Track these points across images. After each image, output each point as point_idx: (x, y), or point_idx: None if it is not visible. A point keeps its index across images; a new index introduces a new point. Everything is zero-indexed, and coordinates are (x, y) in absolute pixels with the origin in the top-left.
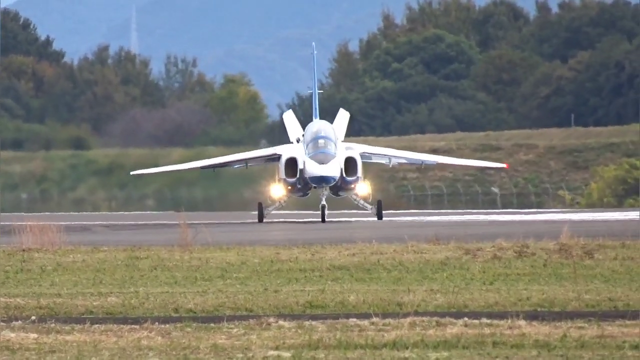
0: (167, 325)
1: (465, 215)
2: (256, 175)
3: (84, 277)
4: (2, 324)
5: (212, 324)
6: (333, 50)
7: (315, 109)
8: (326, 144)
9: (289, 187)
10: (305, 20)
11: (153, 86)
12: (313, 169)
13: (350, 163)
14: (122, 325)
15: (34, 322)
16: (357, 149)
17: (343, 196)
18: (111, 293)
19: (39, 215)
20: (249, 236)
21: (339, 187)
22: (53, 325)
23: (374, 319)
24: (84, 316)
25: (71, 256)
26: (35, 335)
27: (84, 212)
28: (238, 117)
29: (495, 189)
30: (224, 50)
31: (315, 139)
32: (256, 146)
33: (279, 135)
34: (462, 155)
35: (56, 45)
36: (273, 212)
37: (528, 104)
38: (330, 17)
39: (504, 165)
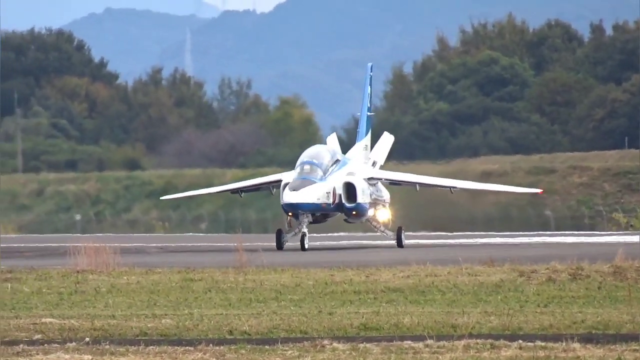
0: (222, 347)
1: (519, 238)
2: None
3: (138, 299)
4: (56, 345)
5: (266, 346)
6: (387, 72)
7: (361, 131)
8: (311, 170)
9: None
10: (359, 42)
11: (207, 108)
12: (284, 195)
13: (349, 189)
14: (176, 347)
15: (88, 343)
16: (362, 174)
17: (355, 222)
18: (165, 315)
19: (93, 237)
20: (303, 258)
21: (345, 213)
22: (107, 347)
23: (429, 342)
24: (138, 338)
25: (125, 278)
26: (90, 357)
27: (138, 234)
28: (293, 138)
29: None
30: (278, 72)
31: (300, 164)
32: None
33: None
34: (515, 178)
35: (110, 67)
36: (291, 239)
37: (582, 126)
38: (384, 39)
39: (539, 191)
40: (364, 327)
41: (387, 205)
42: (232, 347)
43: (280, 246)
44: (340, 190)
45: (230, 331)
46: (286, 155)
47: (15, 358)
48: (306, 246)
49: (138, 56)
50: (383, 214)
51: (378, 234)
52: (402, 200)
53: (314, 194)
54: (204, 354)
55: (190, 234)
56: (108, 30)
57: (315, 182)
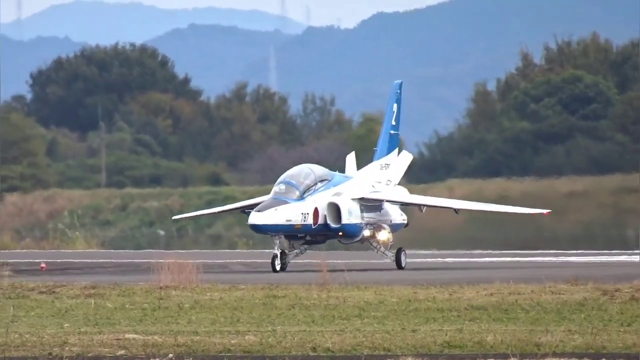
0: None
1: (602, 257)
2: None
3: (221, 315)
4: None
5: None
6: (470, 90)
7: (380, 150)
8: (286, 190)
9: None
10: (442, 59)
11: (291, 124)
12: (249, 217)
13: (332, 209)
14: None
15: (171, 359)
16: (352, 195)
17: (347, 244)
18: (249, 331)
19: (176, 253)
20: (387, 275)
21: (331, 235)
22: None
23: None
24: (222, 354)
25: (209, 294)
26: None
27: (221, 250)
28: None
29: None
30: (361, 88)
31: (277, 184)
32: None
33: (418, 172)
34: (598, 198)
35: (194, 83)
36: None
37: None
38: (467, 56)
39: (544, 212)
40: (447, 345)
41: (393, 226)
42: None
43: (274, 268)
44: (325, 211)
45: (314, 348)
46: None
47: None
48: (277, 268)
49: (222, 72)
50: (383, 235)
51: (378, 255)
52: (479, 220)
53: (283, 215)
54: None
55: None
56: (192, 46)
57: (287, 203)
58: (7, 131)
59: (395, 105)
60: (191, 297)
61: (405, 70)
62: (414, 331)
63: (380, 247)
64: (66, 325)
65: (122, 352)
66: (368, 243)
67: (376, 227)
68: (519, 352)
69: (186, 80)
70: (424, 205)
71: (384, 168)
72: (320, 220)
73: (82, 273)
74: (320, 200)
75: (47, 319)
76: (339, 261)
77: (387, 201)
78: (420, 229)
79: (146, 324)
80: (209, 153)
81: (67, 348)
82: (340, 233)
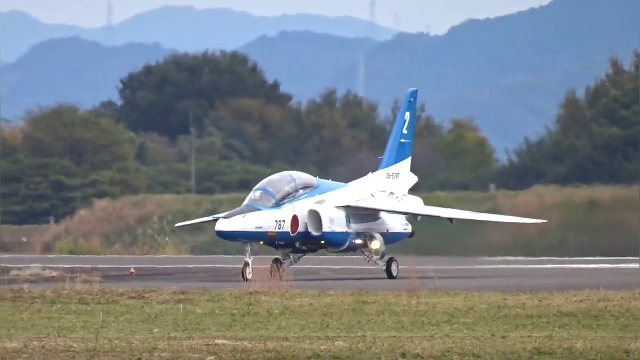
0: None
1: None
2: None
3: (310, 321)
4: None
5: None
6: (559, 96)
7: (387, 158)
8: (260, 197)
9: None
10: (531, 66)
11: (380, 130)
12: (217, 222)
13: (313, 217)
14: None
15: None
16: (337, 202)
17: (333, 252)
18: (338, 337)
19: (265, 258)
20: (476, 282)
21: (312, 243)
22: None
23: None
24: None
25: (298, 300)
26: None
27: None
28: (466, 161)
29: None
30: (451, 95)
31: (253, 190)
32: (485, 190)
33: (508, 179)
34: None
35: (283, 89)
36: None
37: None
38: (556, 63)
39: (539, 221)
40: (536, 352)
41: (391, 235)
42: None
43: (247, 277)
44: (305, 219)
45: (403, 354)
46: (459, 178)
47: None
48: (248, 277)
49: (311, 78)
50: (375, 244)
51: (370, 264)
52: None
53: (252, 221)
54: None
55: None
56: (282, 53)
57: (258, 210)
58: (97, 136)
59: (407, 114)
60: (281, 302)
61: (494, 77)
62: (503, 337)
63: (371, 256)
64: (155, 330)
65: (212, 357)
66: (360, 252)
67: (368, 236)
68: (608, 358)
69: (275, 86)
70: (418, 214)
71: (392, 177)
72: (301, 228)
73: (171, 278)
74: (300, 207)
75: (137, 324)
76: (429, 267)
77: (375, 210)
78: (506, 234)
79: (235, 330)
80: (298, 158)
81: (156, 354)
82: (322, 241)
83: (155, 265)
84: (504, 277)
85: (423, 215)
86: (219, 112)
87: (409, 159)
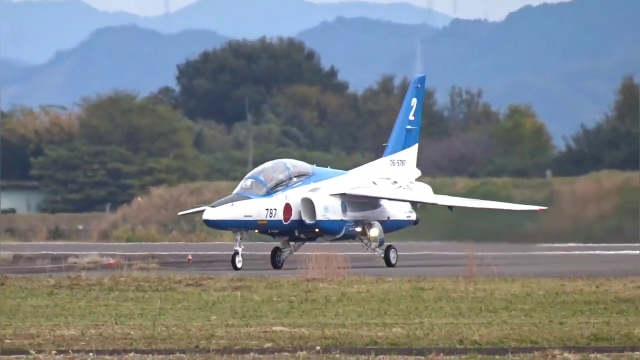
0: (452, 357)
1: None
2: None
3: (368, 308)
4: (287, 354)
5: (497, 356)
6: (617, 82)
7: (391, 145)
8: (251, 186)
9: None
10: (590, 53)
11: (438, 116)
12: (204, 211)
13: (307, 205)
14: (406, 356)
15: (318, 352)
16: (331, 190)
17: (330, 240)
18: (395, 324)
19: (324, 245)
20: (534, 268)
21: (307, 232)
22: (338, 355)
23: None
24: (369, 347)
25: (355, 287)
26: None
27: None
28: (523, 148)
29: None
30: (508, 81)
31: (244, 179)
32: (542, 177)
33: (565, 165)
34: None
35: (340, 76)
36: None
37: None
38: (614, 49)
39: (537, 208)
40: (594, 338)
41: (393, 223)
42: (463, 357)
43: (274, 264)
44: (299, 207)
45: (461, 340)
46: (516, 164)
47: None
48: (238, 265)
49: (368, 65)
50: (373, 232)
51: (369, 251)
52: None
53: (241, 210)
54: None
55: (421, 242)
56: (339, 39)
57: (248, 198)
58: (154, 123)
59: (414, 100)
60: (338, 289)
61: (553, 63)
62: (561, 324)
63: (370, 244)
64: (213, 317)
65: (269, 344)
66: (359, 240)
67: (366, 224)
68: None
69: (332, 73)
70: (416, 202)
71: (397, 164)
72: (295, 217)
73: (228, 266)
74: (293, 195)
75: (194, 311)
76: (487, 253)
77: (370, 197)
78: (564, 220)
79: (293, 317)
80: (355, 144)
81: (214, 341)
82: (317, 230)
83: (212, 252)
84: (562, 263)
85: (421, 203)
86: (276, 99)
87: (416, 146)
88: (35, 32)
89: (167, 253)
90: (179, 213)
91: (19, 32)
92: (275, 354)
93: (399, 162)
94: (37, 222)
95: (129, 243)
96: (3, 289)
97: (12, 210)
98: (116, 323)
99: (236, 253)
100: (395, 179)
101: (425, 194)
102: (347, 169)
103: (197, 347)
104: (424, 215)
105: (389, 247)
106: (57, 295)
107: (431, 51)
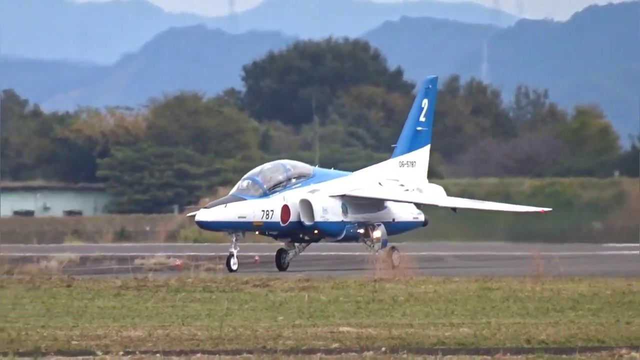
0: (519, 356)
1: None
2: (607, 207)
3: (435, 308)
4: (353, 354)
5: (564, 355)
6: None
7: (400, 146)
8: (247, 187)
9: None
10: None
11: (504, 117)
12: (197, 213)
13: (306, 206)
14: (473, 356)
15: (385, 352)
16: (331, 192)
17: (333, 241)
18: (463, 324)
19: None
20: (601, 268)
21: (306, 233)
22: (405, 355)
23: None
24: (436, 347)
25: (423, 287)
26: None
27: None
28: (589, 148)
29: None
30: (575, 81)
31: (242, 179)
32: (610, 177)
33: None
34: None
35: (406, 76)
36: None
37: None
38: None
39: (540, 210)
40: None
41: (398, 224)
42: (530, 357)
43: (279, 266)
44: (298, 209)
45: (528, 340)
46: (583, 164)
47: None
48: (233, 267)
49: (434, 65)
50: (376, 233)
51: (371, 253)
52: None
53: (234, 211)
54: None
55: (487, 242)
56: (404, 39)
57: (243, 200)
58: (220, 124)
59: (425, 101)
60: (405, 289)
61: (619, 63)
62: (628, 323)
63: (373, 245)
64: (280, 318)
65: (336, 345)
66: (362, 241)
67: (370, 225)
68: None
69: (398, 73)
70: (419, 203)
71: (406, 165)
72: (293, 218)
73: (297, 265)
74: (291, 197)
75: (261, 312)
76: (554, 253)
77: (371, 199)
78: (631, 220)
79: (360, 317)
80: None
81: (281, 341)
82: (316, 231)
83: None
84: (629, 263)
85: (424, 205)
86: (342, 100)
87: (428, 147)
88: (101, 34)
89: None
90: (187, 214)
91: (85, 34)
92: (342, 354)
93: (409, 163)
94: (104, 223)
95: (196, 244)
96: (70, 290)
97: (79, 212)
98: (183, 324)
99: (231, 255)
100: (402, 181)
101: (435, 195)
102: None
103: (264, 347)
104: (490, 216)
105: (391, 249)
106: (124, 296)
107: (497, 51)
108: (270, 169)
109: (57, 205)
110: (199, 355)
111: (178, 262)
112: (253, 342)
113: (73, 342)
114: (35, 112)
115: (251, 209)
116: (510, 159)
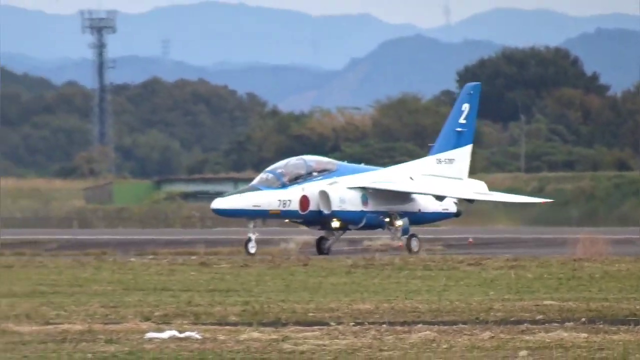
0: None
1: None
2: None
3: (628, 284)
4: (556, 324)
5: None
6: None
7: (437, 145)
8: (266, 179)
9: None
10: None
11: None
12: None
13: (324, 197)
14: None
15: (584, 323)
16: (347, 184)
17: (354, 230)
18: None
19: (588, 229)
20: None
21: (325, 222)
22: (601, 326)
23: None
24: (628, 318)
25: (617, 265)
26: (585, 335)
27: (628, 227)
28: None
29: None
30: None
31: (263, 172)
32: None
33: None
34: None
35: (602, 80)
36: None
37: None
38: None
39: (542, 201)
40: None
41: (424, 215)
42: None
43: (320, 251)
44: (317, 199)
45: None
46: None
47: (520, 335)
48: (251, 251)
49: (625, 71)
50: (398, 222)
51: (394, 239)
52: None
53: (250, 200)
54: None
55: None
56: (600, 48)
57: (258, 190)
58: (437, 122)
59: (466, 105)
60: (601, 268)
61: None
62: None
63: (395, 233)
64: (491, 293)
65: (541, 316)
66: (387, 229)
67: (393, 215)
68: None
69: (594, 78)
70: (439, 195)
71: (444, 162)
72: (313, 207)
73: (505, 247)
74: (310, 188)
75: (474, 287)
76: None
77: (391, 191)
78: None
79: (561, 292)
80: (616, 141)
81: (492, 313)
82: (335, 219)
83: (490, 236)
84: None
85: (437, 196)
86: (545, 101)
87: (469, 147)
88: (331, 41)
89: (451, 236)
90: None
91: (317, 42)
92: (546, 324)
93: (447, 160)
94: None
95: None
96: (306, 268)
97: None
98: (406, 298)
99: (249, 239)
100: (439, 176)
101: (479, 189)
102: (609, 163)
103: (477, 318)
104: None
105: (411, 236)
106: (354, 274)
107: None
108: (291, 165)
109: None
110: (420, 325)
111: (400, 243)
112: (467, 314)
113: (309, 314)
114: (274, 111)
115: (266, 199)
116: None
